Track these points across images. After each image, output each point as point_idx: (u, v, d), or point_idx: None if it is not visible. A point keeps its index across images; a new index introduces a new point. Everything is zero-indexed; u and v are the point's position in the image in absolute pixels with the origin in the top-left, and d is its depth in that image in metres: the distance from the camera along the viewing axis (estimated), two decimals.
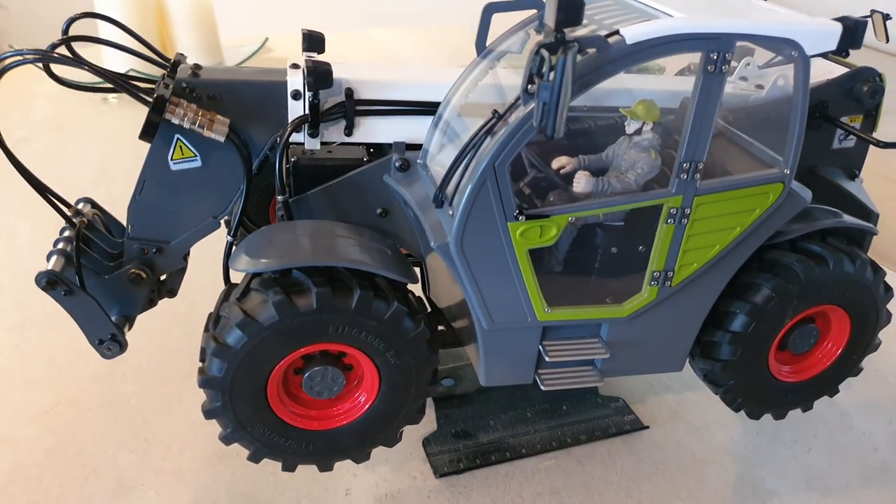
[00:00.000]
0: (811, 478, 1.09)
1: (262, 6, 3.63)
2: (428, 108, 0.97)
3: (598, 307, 0.92)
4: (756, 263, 0.97)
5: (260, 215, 1.14)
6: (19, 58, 0.81)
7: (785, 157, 0.88)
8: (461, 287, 0.87)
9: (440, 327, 1.05)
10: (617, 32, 0.77)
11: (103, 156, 1.92)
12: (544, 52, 0.68)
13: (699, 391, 1.21)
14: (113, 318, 0.95)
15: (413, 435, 1.08)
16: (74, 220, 0.95)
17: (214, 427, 0.91)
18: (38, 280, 0.87)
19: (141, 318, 1.01)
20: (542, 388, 0.94)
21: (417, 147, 0.98)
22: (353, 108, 0.94)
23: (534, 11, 0.94)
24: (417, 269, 1.13)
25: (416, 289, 0.96)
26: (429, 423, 1.10)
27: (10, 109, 2.18)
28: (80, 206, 1.00)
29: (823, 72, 1.10)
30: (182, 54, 0.97)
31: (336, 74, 0.91)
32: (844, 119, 1.09)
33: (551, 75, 0.68)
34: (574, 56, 0.68)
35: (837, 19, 0.85)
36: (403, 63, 2.76)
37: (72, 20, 0.92)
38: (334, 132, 0.96)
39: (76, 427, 1.10)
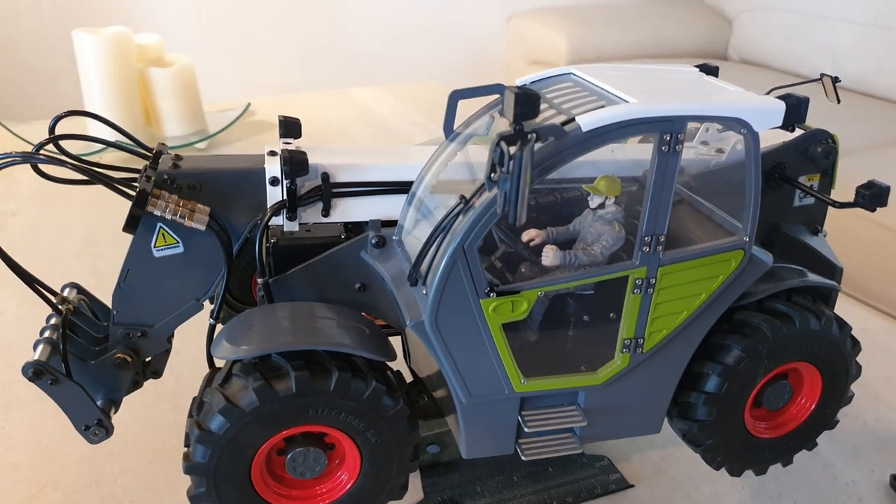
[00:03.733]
0: None
1: (244, 71, 3.73)
2: (401, 187, 1.00)
3: (574, 376, 0.94)
4: (726, 325, 1.00)
5: (243, 292, 1.17)
6: (8, 160, 0.85)
7: (744, 225, 0.92)
8: (438, 363, 0.89)
9: (423, 397, 1.07)
10: (573, 120, 0.81)
11: (90, 227, 1.95)
12: (503, 145, 0.72)
13: (683, 446, 1.22)
14: (98, 403, 0.96)
15: None
16: (60, 307, 0.97)
17: None
18: (24, 371, 0.89)
19: (129, 395, 1.02)
20: (523, 458, 0.95)
21: (393, 223, 1.01)
22: (329, 191, 0.97)
23: (497, 96, 0.99)
24: (399, 338, 1.15)
25: (399, 353, 0.97)
26: (415, 492, 1.10)
27: None
28: (66, 292, 1.03)
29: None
30: (163, 144, 1.01)
31: (312, 160, 0.95)
32: (802, 178, 1.14)
33: (511, 166, 0.72)
34: (531, 149, 0.72)
35: (781, 97, 0.90)
36: (382, 121, 2.83)
37: (58, 118, 0.95)
38: (312, 213, 1.00)
39: None
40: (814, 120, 1.10)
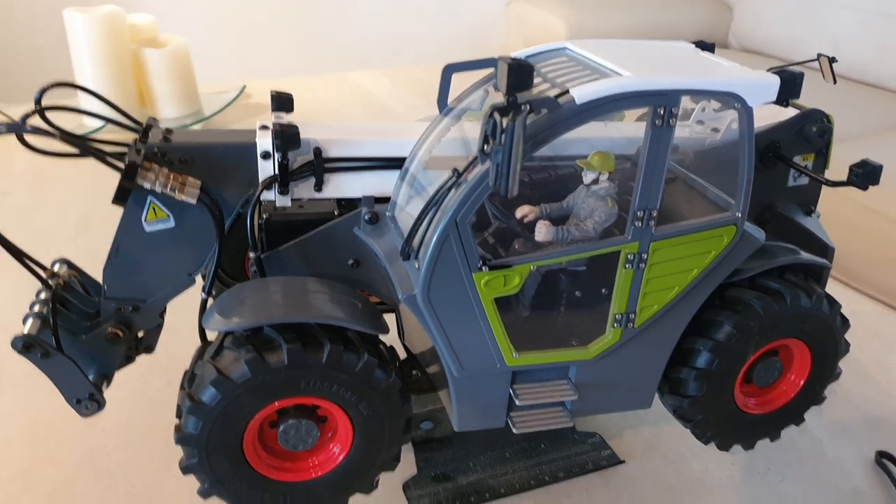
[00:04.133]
0: None
1: (240, 53, 3.70)
2: (394, 163, 1.00)
3: (565, 350, 0.95)
4: (717, 301, 1.00)
5: (236, 268, 1.17)
6: None
7: (737, 201, 0.92)
8: (430, 337, 0.90)
9: (415, 372, 1.07)
10: (567, 92, 0.81)
11: (83, 207, 1.94)
12: (497, 116, 0.72)
13: (674, 423, 1.23)
14: (91, 377, 0.96)
15: (394, 479, 1.09)
16: (50, 282, 0.97)
17: (194, 480, 0.92)
18: (14, 344, 0.88)
19: (121, 370, 1.03)
20: (515, 431, 0.96)
21: (386, 199, 1.01)
22: (321, 166, 0.97)
23: (492, 70, 0.98)
24: (393, 315, 1.15)
25: (392, 329, 0.97)
26: (409, 466, 1.11)
27: None
28: (57, 267, 1.02)
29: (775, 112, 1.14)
30: (154, 118, 1.00)
31: (304, 135, 0.95)
32: (797, 158, 1.14)
33: (503, 138, 0.72)
34: (524, 120, 0.71)
35: (776, 72, 0.90)
36: (379, 104, 2.81)
37: (44, 90, 0.94)
38: (304, 189, 0.99)
39: (56, 486, 1.10)
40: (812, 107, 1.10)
